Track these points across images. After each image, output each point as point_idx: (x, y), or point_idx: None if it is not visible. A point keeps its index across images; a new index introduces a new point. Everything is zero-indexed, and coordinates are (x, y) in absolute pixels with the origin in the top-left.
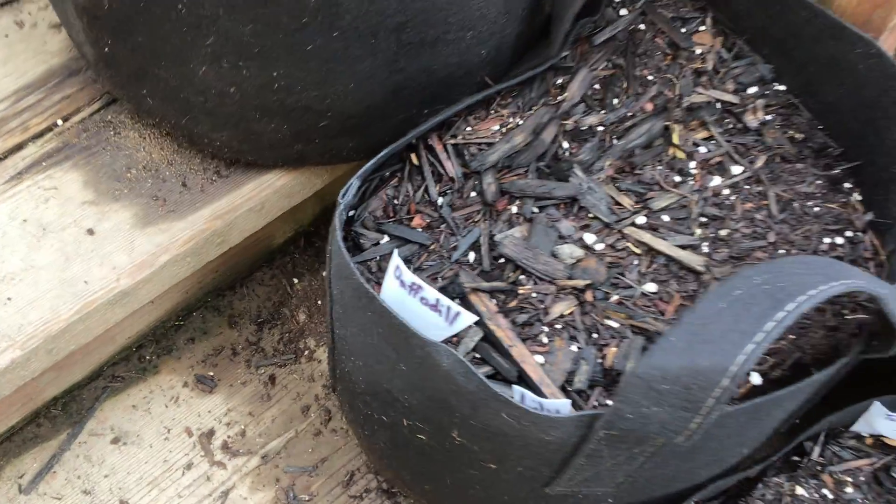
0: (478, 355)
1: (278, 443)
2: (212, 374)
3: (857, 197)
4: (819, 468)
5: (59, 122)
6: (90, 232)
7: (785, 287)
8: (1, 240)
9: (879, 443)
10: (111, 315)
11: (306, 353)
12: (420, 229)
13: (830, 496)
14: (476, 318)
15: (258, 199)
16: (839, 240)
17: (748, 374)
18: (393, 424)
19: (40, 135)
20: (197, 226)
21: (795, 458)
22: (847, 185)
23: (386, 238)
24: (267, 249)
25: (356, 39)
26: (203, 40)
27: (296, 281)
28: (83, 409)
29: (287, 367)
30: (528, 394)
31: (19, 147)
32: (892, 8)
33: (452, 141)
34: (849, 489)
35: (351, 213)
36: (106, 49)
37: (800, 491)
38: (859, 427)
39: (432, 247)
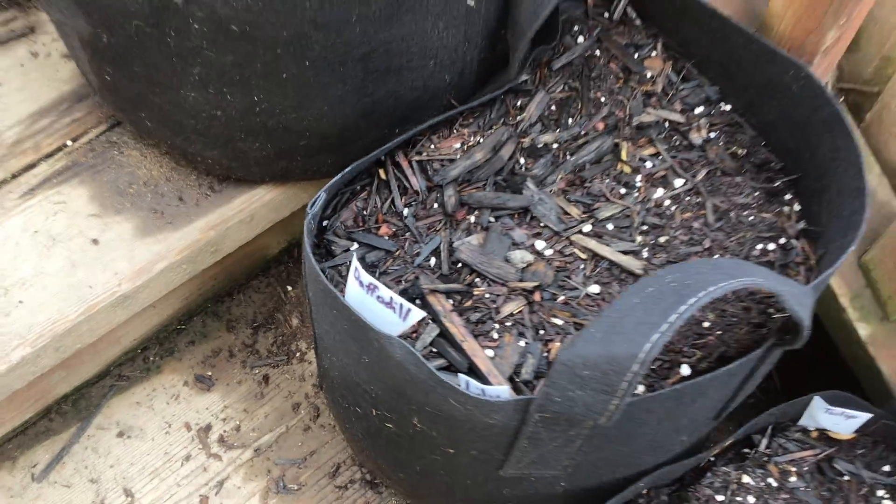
0: (434, 349)
1: (270, 437)
2: (210, 373)
3: (796, 207)
4: (766, 459)
5: (69, 142)
6: (95, 242)
7: (690, 284)
8: (14, 249)
9: (824, 436)
10: (113, 317)
11: (298, 354)
12: (386, 237)
13: (775, 484)
14: (424, 315)
15: (248, 211)
16: (771, 246)
17: (679, 366)
18: (366, 415)
19: (51, 154)
20: (192, 236)
21: (745, 451)
22: (787, 196)
23: (356, 245)
24: (263, 259)
25: (326, 68)
26: (190, 69)
27: (289, 288)
28: (91, 405)
29: (280, 367)
30: (473, 381)
31: (32, 165)
32: (822, 34)
33: (417, 158)
34: (793, 478)
35: (325, 223)
36: (107, 77)
37: (746, 479)
38: (805, 421)
39: (397, 253)
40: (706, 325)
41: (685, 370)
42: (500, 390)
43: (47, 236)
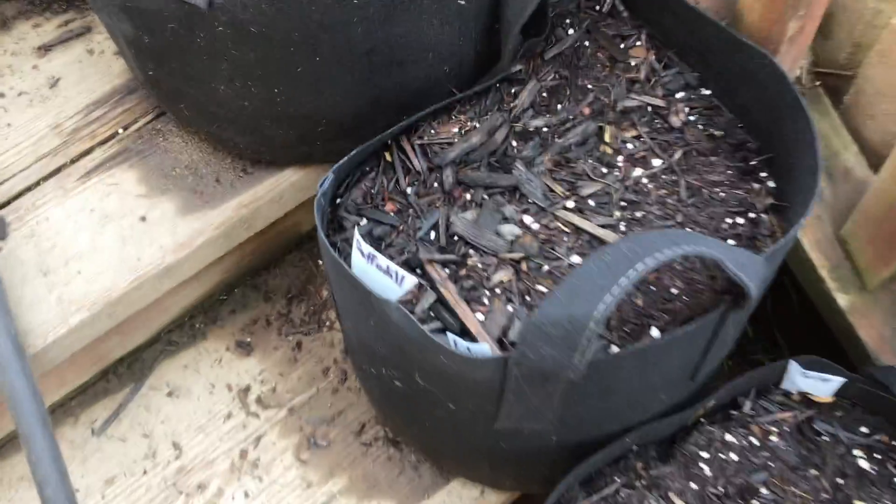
0: (432, 313)
1: (303, 398)
2: (249, 340)
3: (770, 185)
4: (749, 420)
5: (121, 130)
6: (143, 219)
7: (640, 253)
8: (74, 226)
9: (806, 399)
10: (160, 286)
11: (328, 323)
12: (391, 213)
13: (757, 443)
14: (416, 281)
15: (277, 191)
16: (740, 220)
17: (649, 328)
18: (379, 375)
19: (105, 141)
20: (227, 214)
21: (732, 412)
22: (763, 174)
23: (364, 220)
24: (296, 235)
25: (335, 63)
26: (219, 66)
27: (320, 262)
28: (144, 367)
29: (311, 335)
30: (460, 340)
31: (89, 151)
32: (784, 24)
33: (419, 141)
34: (774, 438)
35: (338, 200)
36: (150, 73)
37: (729, 438)
38: (786, 385)
39: (401, 227)
40: (674, 291)
41: (655, 332)
42: (484, 348)
43: (102, 214)
